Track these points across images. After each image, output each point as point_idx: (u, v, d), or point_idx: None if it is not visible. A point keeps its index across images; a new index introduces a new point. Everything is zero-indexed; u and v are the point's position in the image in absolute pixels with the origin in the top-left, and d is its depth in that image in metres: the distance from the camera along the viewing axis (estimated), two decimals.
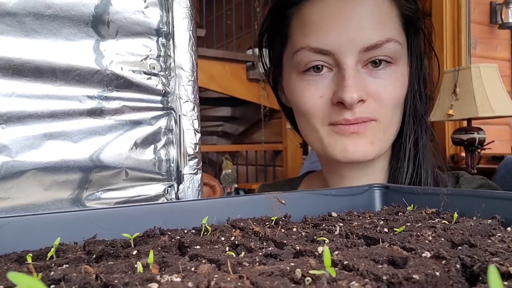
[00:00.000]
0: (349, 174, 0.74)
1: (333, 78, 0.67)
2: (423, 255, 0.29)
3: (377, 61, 0.66)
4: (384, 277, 0.24)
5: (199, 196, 0.52)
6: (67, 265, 0.28)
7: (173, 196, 0.51)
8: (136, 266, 0.27)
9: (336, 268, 0.26)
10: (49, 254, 0.31)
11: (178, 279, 0.23)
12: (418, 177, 0.71)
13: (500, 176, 1.88)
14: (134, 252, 0.32)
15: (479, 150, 2.17)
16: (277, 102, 0.86)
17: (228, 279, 0.22)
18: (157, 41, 0.51)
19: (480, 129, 2.14)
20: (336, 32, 0.65)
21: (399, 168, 0.72)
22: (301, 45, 0.67)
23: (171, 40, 0.51)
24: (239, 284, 0.22)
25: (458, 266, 0.26)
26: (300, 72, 0.69)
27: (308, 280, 0.23)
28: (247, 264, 0.27)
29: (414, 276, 0.24)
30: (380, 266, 0.26)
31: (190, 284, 0.21)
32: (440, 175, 0.74)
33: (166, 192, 0.51)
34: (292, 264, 0.26)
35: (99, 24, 0.47)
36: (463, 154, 2.32)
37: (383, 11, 0.67)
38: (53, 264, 0.29)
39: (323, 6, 0.67)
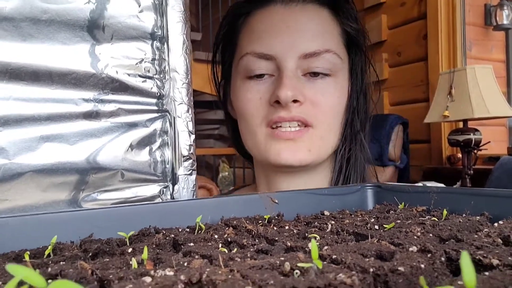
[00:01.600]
0: (285, 185, 0.74)
1: (273, 82, 0.70)
2: (410, 249, 0.30)
3: (317, 73, 0.69)
4: (371, 269, 0.24)
5: (194, 196, 0.53)
6: (64, 262, 0.29)
7: (168, 196, 0.52)
8: (131, 262, 0.28)
9: (325, 262, 0.26)
10: (46, 252, 0.32)
11: (171, 273, 0.24)
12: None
13: (496, 177, 1.89)
14: (130, 250, 0.32)
15: (475, 151, 2.19)
16: None
17: (220, 272, 0.23)
18: (152, 45, 0.52)
19: (476, 130, 2.15)
20: (279, 38, 0.69)
21: (330, 180, 0.74)
22: (246, 51, 0.71)
23: (165, 43, 0.52)
24: (229, 277, 0.23)
25: (443, 259, 0.27)
26: (244, 78, 0.72)
27: (296, 272, 0.24)
28: (238, 259, 0.27)
29: (399, 268, 0.25)
30: (368, 259, 0.27)
31: (182, 277, 0.22)
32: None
33: (161, 193, 0.52)
34: (282, 258, 0.26)
35: (94, 29, 0.48)
36: (460, 155, 2.33)
37: (325, 25, 0.71)
38: (50, 262, 0.29)
39: (269, 15, 0.71)
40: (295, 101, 0.67)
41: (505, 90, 2.86)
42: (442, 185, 0.79)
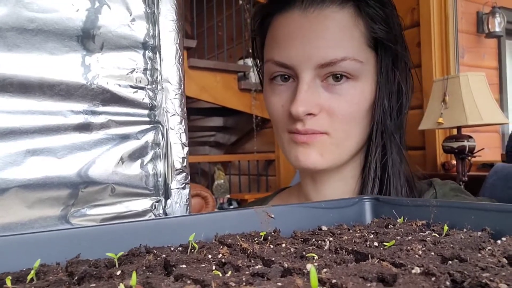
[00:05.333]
0: (320, 178, 0.77)
1: (294, 90, 0.70)
2: (413, 271, 0.28)
3: (338, 75, 0.68)
4: None
5: (187, 211, 0.51)
6: None
7: (161, 211, 0.50)
8: (119, 287, 0.26)
9: (324, 287, 0.25)
10: (29, 277, 0.30)
11: None
12: (388, 183, 0.72)
13: (490, 184, 1.89)
14: (118, 273, 0.31)
15: (469, 158, 2.19)
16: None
17: None
18: (144, 55, 0.50)
19: (470, 137, 2.16)
20: (294, 48, 0.69)
21: (365, 184, 0.73)
22: (267, 58, 0.73)
23: (157, 53, 0.51)
24: None
25: (448, 283, 0.26)
26: (269, 80, 0.74)
27: None
28: (233, 284, 0.26)
29: None
30: (369, 284, 0.25)
31: None
32: (415, 186, 0.76)
33: (153, 208, 0.50)
34: (279, 284, 0.25)
35: (84, 38, 0.47)
36: (454, 161, 2.33)
37: (343, 30, 0.68)
38: (32, 287, 0.28)
39: (287, 21, 0.71)
40: (309, 114, 0.68)
41: (497, 97, 2.88)
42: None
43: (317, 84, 0.69)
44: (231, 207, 3.45)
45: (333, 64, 0.67)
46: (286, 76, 0.71)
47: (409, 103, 0.76)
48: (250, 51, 0.85)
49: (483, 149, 2.20)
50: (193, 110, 3.96)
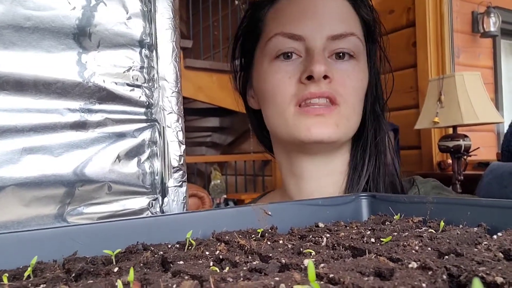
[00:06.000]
0: (308, 173, 0.76)
1: (301, 62, 0.72)
2: (410, 265, 0.28)
3: (341, 54, 0.72)
4: None
5: (184, 209, 0.51)
6: (44, 285, 0.27)
7: (158, 209, 0.50)
8: (116, 284, 0.26)
9: (322, 282, 0.25)
10: (26, 274, 0.30)
11: None
12: (374, 179, 0.74)
13: (486, 182, 1.90)
14: (116, 269, 0.31)
15: (465, 157, 2.20)
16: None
17: None
18: (140, 53, 0.50)
19: (466, 136, 2.17)
20: (308, 19, 0.71)
21: (358, 165, 0.75)
22: (275, 32, 0.73)
23: (154, 51, 0.51)
24: None
25: (444, 276, 0.26)
26: (271, 59, 0.73)
27: None
28: (231, 280, 0.26)
29: None
30: (366, 278, 0.25)
31: None
32: (397, 181, 0.78)
33: (150, 206, 0.50)
34: (277, 278, 0.25)
35: (80, 36, 0.47)
36: (450, 161, 2.34)
37: (348, 12, 0.75)
38: (29, 284, 0.28)
39: (298, 0, 0.74)
40: (325, 77, 0.69)
41: (493, 96, 2.90)
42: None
43: (326, 58, 0.71)
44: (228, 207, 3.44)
45: (343, 37, 0.70)
46: (289, 53, 0.72)
47: (389, 94, 0.81)
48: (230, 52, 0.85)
49: (478, 148, 2.21)
50: (189, 110, 3.96)
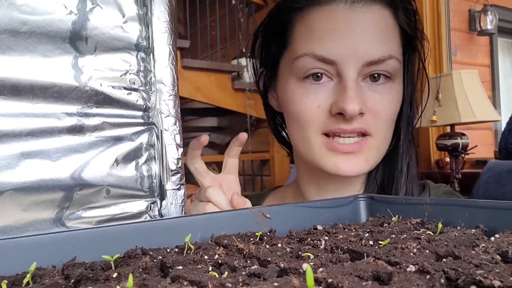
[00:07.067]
0: (331, 187, 0.73)
1: (333, 88, 0.66)
2: (408, 269, 0.29)
3: (376, 75, 0.66)
4: None
5: (183, 212, 0.51)
6: None
7: (156, 212, 0.50)
8: None
9: (320, 287, 0.25)
10: (25, 281, 0.30)
11: None
12: (400, 188, 0.72)
13: (484, 181, 1.90)
14: (115, 275, 0.31)
15: (463, 155, 2.21)
16: (263, 111, 0.85)
17: None
18: (137, 56, 0.50)
19: (463, 134, 2.17)
20: (342, 42, 0.64)
21: (395, 185, 0.72)
22: (304, 51, 0.66)
23: (151, 54, 0.51)
24: None
25: (442, 280, 0.26)
26: (299, 79, 0.67)
27: None
28: (230, 285, 0.26)
29: None
30: (365, 283, 0.25)
31: None
32: (415, 187, 0.75)
33: (149, 209, 0.50)
34: (276, 284, 0.25)
35: (76, 40, 0.47)
36: (448, 159, 2.35)
37: (387, 26, 0.67)
38: None
39: (331, 14, 0.66)
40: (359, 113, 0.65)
41: (490, 94, 2.91)
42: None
43: (360, 83, 0.66)
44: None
45: (381, 62, 0.65)
46: (319, 74, 0.66)
47: (423, 108, 0.76)
48: (244, 50, 0.83)
49: (476, 146, 2.22)
50: (187, 110, 3.96)
